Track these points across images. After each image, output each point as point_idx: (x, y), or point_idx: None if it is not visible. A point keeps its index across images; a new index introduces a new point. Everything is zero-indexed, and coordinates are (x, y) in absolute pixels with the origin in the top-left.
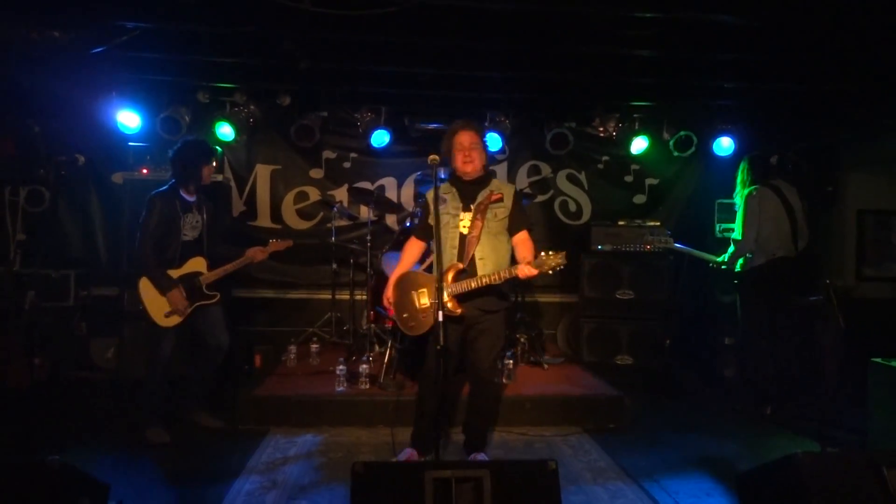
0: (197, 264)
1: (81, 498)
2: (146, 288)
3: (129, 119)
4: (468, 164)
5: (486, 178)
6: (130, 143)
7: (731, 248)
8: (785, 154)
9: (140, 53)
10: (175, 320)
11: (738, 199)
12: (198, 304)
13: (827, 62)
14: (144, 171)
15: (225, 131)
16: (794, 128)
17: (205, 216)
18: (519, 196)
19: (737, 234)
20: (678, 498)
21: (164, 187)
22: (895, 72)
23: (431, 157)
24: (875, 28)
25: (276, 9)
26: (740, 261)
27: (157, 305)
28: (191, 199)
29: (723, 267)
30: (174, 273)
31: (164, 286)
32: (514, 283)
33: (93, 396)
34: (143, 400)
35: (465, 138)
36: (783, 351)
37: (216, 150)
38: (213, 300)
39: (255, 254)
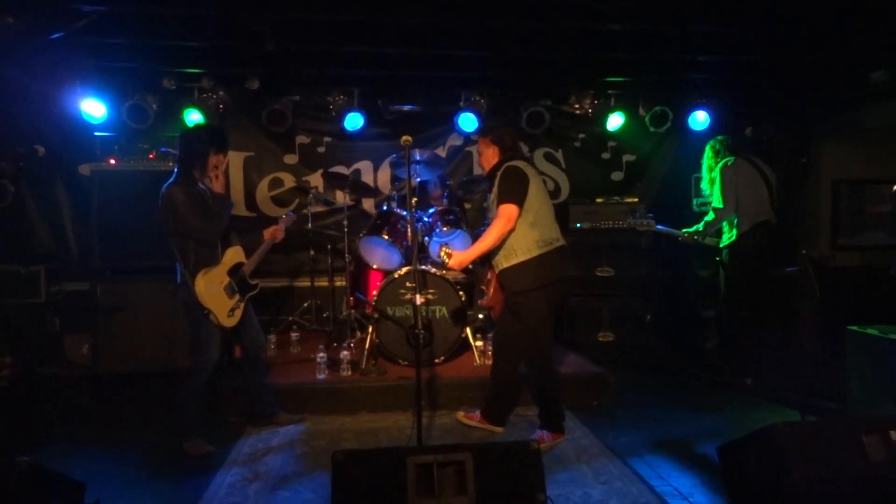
0: (236, 255)
1: (52, 499)
2: (206, 288)
3: (94, 108)
4: None
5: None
6: (96, 133)
7: (709, 217)
8: (759, 126)
9: (102, 39)
10: (237, 318)
11: (710, 175)
12: (248, 295)
13: (799, 34)
14: (112, 161)
15: (194, 118)
16: (768, 100)
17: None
18: (502, 174)
19: (716, 203)
20: (662, 472)
21: (172, 178)
22: (866, 43)
23: (404, 138)
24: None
25: None
26: (725, 236)
27: (221, 304)
28: (203, 187)
29: (695, 238)
30: (222, 269)
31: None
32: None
33: (69, 394)
34: (185, 409)
35: None
36: (763, 322)
37: (228, 140)
38: (257, 290)
39: (276, 233)
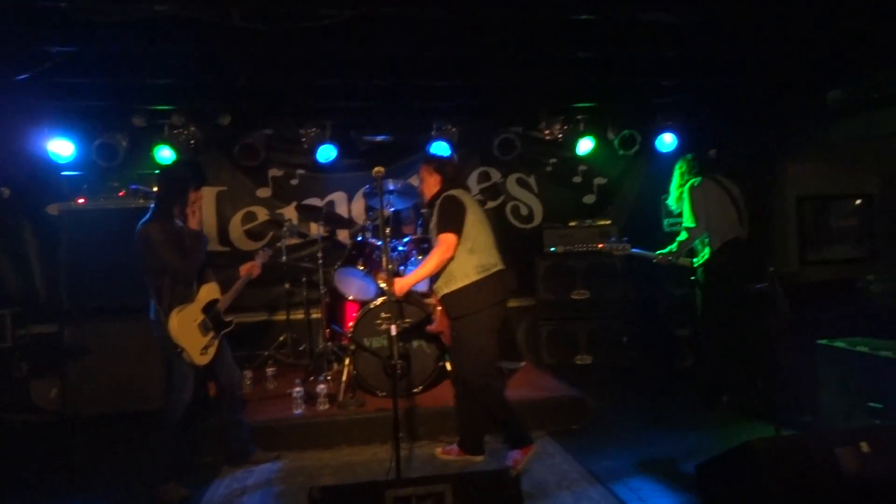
0: (211, 291)
1: None
2: (180, 326)
3: (61, 148)
4: None
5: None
6: (64, 173)
7: (682, 237)
8: (723, 147)
9: (68, 79)
10: (210, 355)
11: (678, 194)
12: (223, 333)
13: (760, 57)
14: (81, 200)
15: (165, 154)
16: (732, 121)
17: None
18: (441, 203)
19: (687, 222)
20: (642, 494)
21: (148, 215)
22: (822, 64)
23: (376, 169)
24: (804, 23)
25: (206, 27)
26: (701, 254)
27: (194, 342)
28: (180, 223)
29: (669, 258)
30: (196, 306)
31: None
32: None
33: (36, 440)
34: (160, 453)
35: None
36: (736, 339)
37: (206, 176)
38: (231, 327)
39: (252, 269)
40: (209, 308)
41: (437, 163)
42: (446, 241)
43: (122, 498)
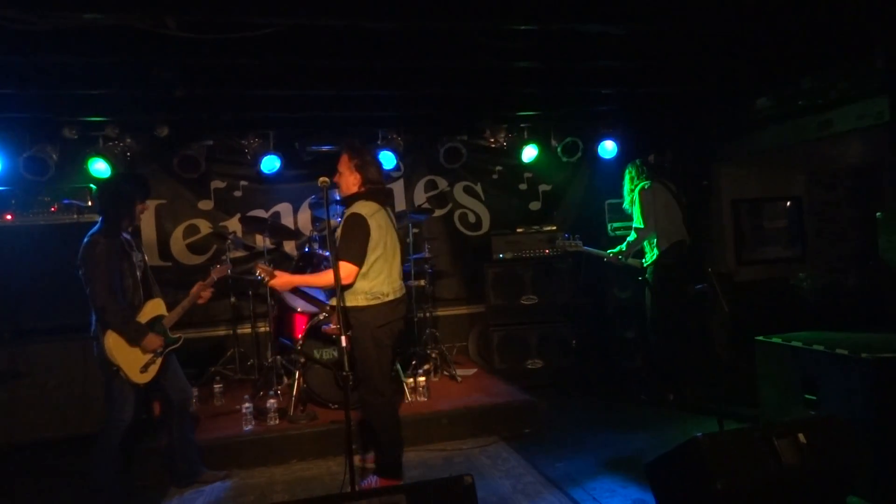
0: (156, 307)
1: None
2: (116, 343)
3: None
4: None
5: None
6: None
7: (631, 237)
8: (662, 153)
9: None
10: (150, 375)
11: (630, 198)
12: (167, 349)
13: (693, 66)
14: (9, 217)
15: (99, 167)
16: (669, 128)
17: (143, 253)
18: (346, 221)
19: (637, 223)
20: (596, 494)
21: (97, 227)
22: (750, 72)
23: (321, 179)
24: (733, 33)
25: (139, 36)
26: (648, 256)
27: (132, 360)
28: (127, 236)
29: (619, 258)
30: (140, 320)
31: (138, 335)
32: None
33: None
34: (100, 477)
35: None
36: (681, 338)
37: (150, 187)
38: (179, 343)
39: (202, 289)
40: (153, 323)
41: (360, 160)
42: (346, 270)
43: None
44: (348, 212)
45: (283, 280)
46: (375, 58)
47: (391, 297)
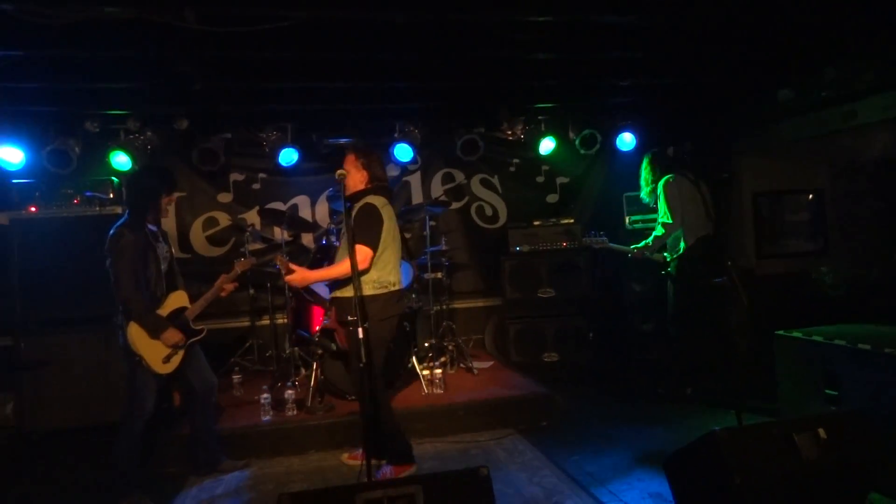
0: (179, 299)
1: None
2: (138, 334)
3: (10, 155)
4: None
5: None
6: (14, 181)
7: (658, 232)
8: (681, 145)
9: (17, 84)
10: (174, 365)
11: (650, 189)
12: (190, 341)
13: (713, 56)
14: (33, 209)
15: (121, 160)
16: (689, 120)
17: (170, 245)
18: (360, 210)
19: (664, 218)
20: (612, 487)
21: (123, 220)
22: (772, 63)
23: (338, 172)
24: (755, 22)
25: (159, 29)
26: (671, 250)
27: (154, 351)
28: (154, 228)
29: (645, 253)
30: (162, 313)
31: (158, 328)
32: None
33: None
34: (122, 465)
35: None
36: (700, 332)
37: (177, 180)
38: (202, 335)
39: (225, 282)
40: (175, 315)
41: (367, 159)
42: (362, 253)
43: None
44: (361, 202)
45: (299, 276)
46: (393, 50)
47: (397, 287)
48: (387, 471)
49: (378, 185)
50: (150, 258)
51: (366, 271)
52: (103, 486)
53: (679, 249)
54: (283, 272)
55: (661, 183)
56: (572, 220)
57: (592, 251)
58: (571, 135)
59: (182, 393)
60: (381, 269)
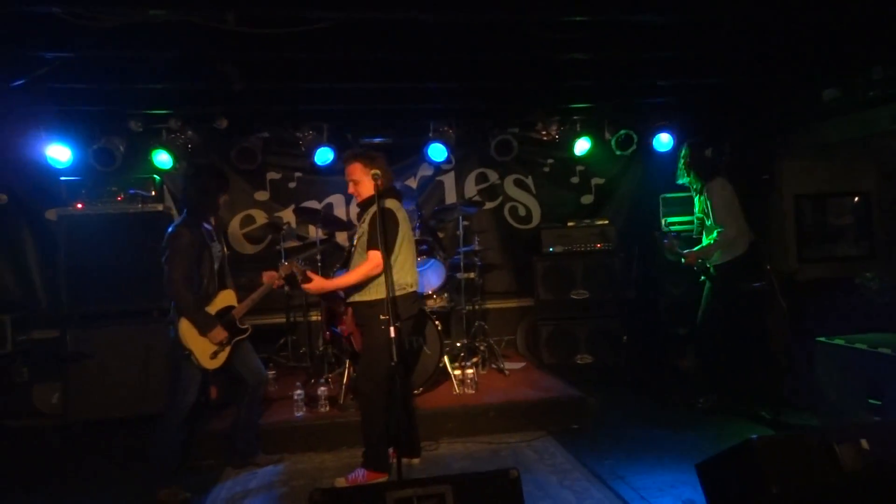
0: (227, 297)
1: None
2: (189, 329)
3: (59, 153)
4: None
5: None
6: (62, 178)
7: (711, 238)
8: (720, 146)
9: (65, 84)
10: (220, 361)
11: (687, 176)
12: (235, 339)
13: (754, 55)
14: (79, 205)
15: (162, 159)
16: (728, 120)
17: (223, 244)
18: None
19: (718, 225)
20: (644, 493)
21: (181, 218)
22: (816, 62)
23: (373, 171)
24: (799, 20)
25: (201, 31)
26: (717, 253)
27: (203, 347)
28: (209, 227)
29: (700, 258)
30: (210, 310)
31: (206, 325)
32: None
33: (37, 445)
34: (159, 455)
35: None
36: (737, 338)
37: (228, 180)
38: (247, 333)
39: (272, 278)
40: (223, 314)
41: (373, 164)
42: (377, 259)
43: (123, 502)
44: (373, 208)
45: (317, 285)
46: (428, 50)
47: (413, 289)
48: (359, 474)
49: (389, 187)
50: (204, 257)
51: (380, 276)
52: (142, 477)
53: (730, 255)
54: (300, 279)
55: (709, 187)
56: (607, 222)
57: (627, 253)
58: (607, 135)
59: (232, 385)
60: (398, 272)
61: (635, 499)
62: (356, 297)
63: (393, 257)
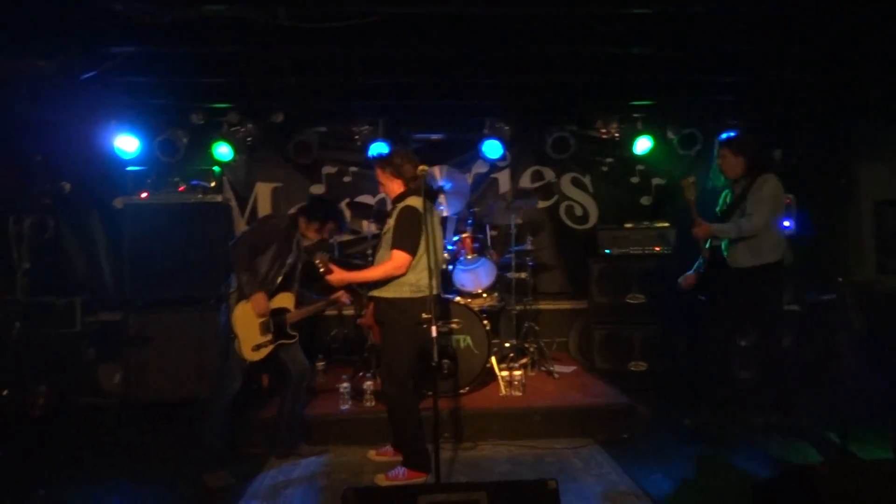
0: (285, 300)
1: None
2: (243, 315)
3: (127, 143)
4: None
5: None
6: (129, 168)
7: (737, 222)
8: (791, 147)
9: (132, 77)
10: (261, 355)
11: (741, 182)
12: (280, 342)
13: (827, 50)
14: (144, 194)
15: (223, 151)
16: (800, 120)
17: (300, 261)
18: (401, 213)
19: (758, 214)
20: None
21: (290, 215)
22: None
23: (420, 168)
24: (876, 13)
25: (255, 26)
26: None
27: (249, 337)
28: (306, 243)
29: (713, 229)
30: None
31: (252, 288)
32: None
33: (99, 423)
34: (207, 439)
35: None
36: (799, 353)
37: (344, 222)
38: (293, 340)
39: (341, 297)
40: (277, 313)
41: (394, 166)
42: (399, 259)
43: (171, 482)
44: (401, 205)
45: (338, 277)
46: (483, 45)
47: (435, 292)
48: (399, 472)
49: (416, 185)
50: (278, 250)
51: (403, 275)
52: (190, 459)
53: (763, 259)
54: (323, 271)
55: (766, 178)
56: (667, 224)
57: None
58: (670, 134)
59: (277, 374)
60: (420, 273)
61: None
62: (376, 293)
63: (415, 260)
